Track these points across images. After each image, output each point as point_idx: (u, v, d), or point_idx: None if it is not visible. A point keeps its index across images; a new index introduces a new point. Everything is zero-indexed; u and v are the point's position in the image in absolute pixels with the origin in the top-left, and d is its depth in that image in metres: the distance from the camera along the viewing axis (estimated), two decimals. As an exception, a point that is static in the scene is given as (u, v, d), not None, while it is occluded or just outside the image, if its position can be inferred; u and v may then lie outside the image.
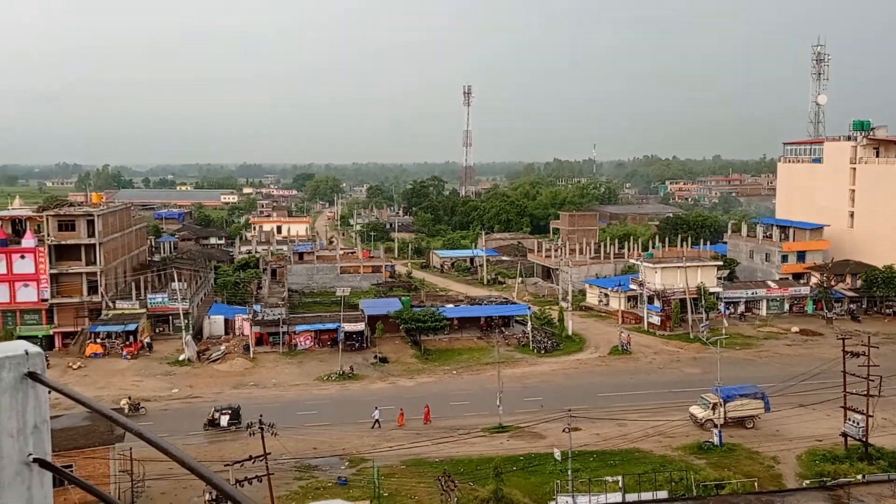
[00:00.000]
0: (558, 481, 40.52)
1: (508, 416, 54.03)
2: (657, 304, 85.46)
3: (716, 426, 50.83)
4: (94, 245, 77.39)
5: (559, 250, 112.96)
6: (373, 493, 41.18)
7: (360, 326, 76.21)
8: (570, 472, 39.81)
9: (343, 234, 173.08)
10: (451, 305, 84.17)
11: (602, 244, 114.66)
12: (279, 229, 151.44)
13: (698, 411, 53.46)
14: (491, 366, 66.16)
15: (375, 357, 71.74)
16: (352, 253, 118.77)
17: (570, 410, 43.00)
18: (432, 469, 45.00)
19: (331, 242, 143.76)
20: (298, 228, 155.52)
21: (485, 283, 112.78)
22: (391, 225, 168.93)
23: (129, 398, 57.73)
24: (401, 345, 76.52)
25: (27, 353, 2.95)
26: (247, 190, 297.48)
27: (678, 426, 52.58)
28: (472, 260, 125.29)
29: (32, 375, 2.95)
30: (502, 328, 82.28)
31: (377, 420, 52.97)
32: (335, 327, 75.02)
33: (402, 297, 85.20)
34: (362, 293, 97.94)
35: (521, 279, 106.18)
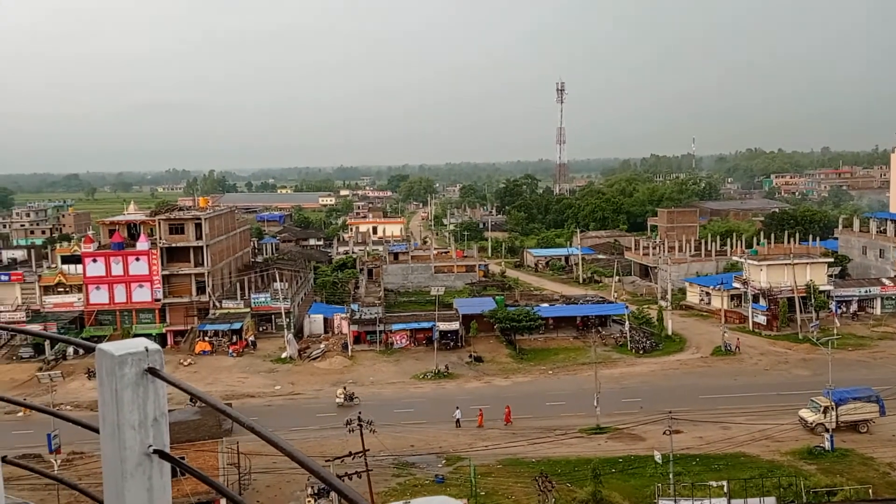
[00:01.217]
0: (659, 485, 39.53)
1: (606, 417, 53.12)
2: (763, 302, 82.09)
3: (827, 430, 48.37)
4: (201, 247, 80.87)
5: (657, 248, 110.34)
6: (470, 492, 41.32)
7: (455, 325, 76.60)
8: (671, 476, 38.77)
9: (437, 234, 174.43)
10: (545, 304, 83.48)
11: (702, 241, 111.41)
12: (375, 230, 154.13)
13: (808, 415, 51.02)
14: (587, 366, 65.21)
15: (470, 356, 71.96)
16: (445, 252, 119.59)
17: (670, 412, 41.86)
18: (529, 469, 44.75)
19: (425, 242, 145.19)
20: (393, 229, 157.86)
21: (580, 281, 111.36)
22: (484, 224, 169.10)
23: (345, 388, 59.91)
24: (495, 344, 76.47)
25: (147, 350, 3.10)
26: (343, 192, 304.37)
27: (786, 430, 50.34)
28: (566, 258, 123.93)
29: (152, 371, 3.10)
30: (599, 328, 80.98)
31: (458, 420, 53.12)
32: (430, 326, 75.70)
33: (496, 297, 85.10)
34: (456, 292, 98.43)
35: (617, 278, 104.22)
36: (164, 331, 78.98)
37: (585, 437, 50.96)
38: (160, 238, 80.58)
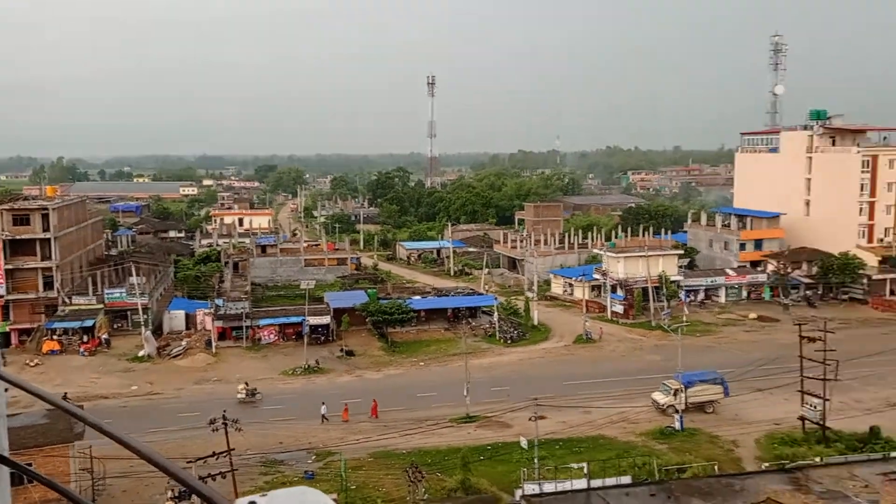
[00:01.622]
0: (525, 469, 40.89)
1: (476, 406, 54.32)
2: (620, 292, 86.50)
3: (677, 412, 51.71)
4: (49, 239, 75.76)
5: (524, 241, 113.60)
6: (340, 486, 41.13)
7: (326, 320, 75.82)
8: (536, 460, 40.20)
9: (307, 227, 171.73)
10: (417, 297, 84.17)
11: (566, 234, 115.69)
12: (241, 222, 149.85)
13: (660, 397, 54.33)
14: (458, 356, 66.39)
15: (342, 350, 71.48)
16: (316, 245, 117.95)
17: (536, 399, 43.36)
18: (400, 461, 45.07)
19: (294, 235, 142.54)
20: (261, 221, 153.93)
21: (451, 274, 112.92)
22: (356, 216, 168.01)
23: (247, 384, 58.40)
24: (367, 337, 76.34)
25: None
26: (207, 182, 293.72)
27: (641, 412, 53.39)
28: (438, 251, 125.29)
29: (-10, 372, 2.90)
30: (469, 319, 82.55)
31: (324, 415, 52.84)
32: (300, 321, 74.54)
33: (369, 290, 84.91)
34: (327, 286, 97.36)
35: (487, 270, 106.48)
36: (7, 329, 73.57)
37: (455, 426, 51.89)
38: (2, 230, 74.75)
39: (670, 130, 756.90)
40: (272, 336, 75.12)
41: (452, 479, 40.94)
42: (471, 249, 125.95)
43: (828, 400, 47.22)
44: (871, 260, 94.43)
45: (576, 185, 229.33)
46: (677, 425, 50.33)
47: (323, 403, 53.74)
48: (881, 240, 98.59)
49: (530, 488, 35.76)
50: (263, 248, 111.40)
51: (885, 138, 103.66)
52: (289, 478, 43.31)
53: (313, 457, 46.84)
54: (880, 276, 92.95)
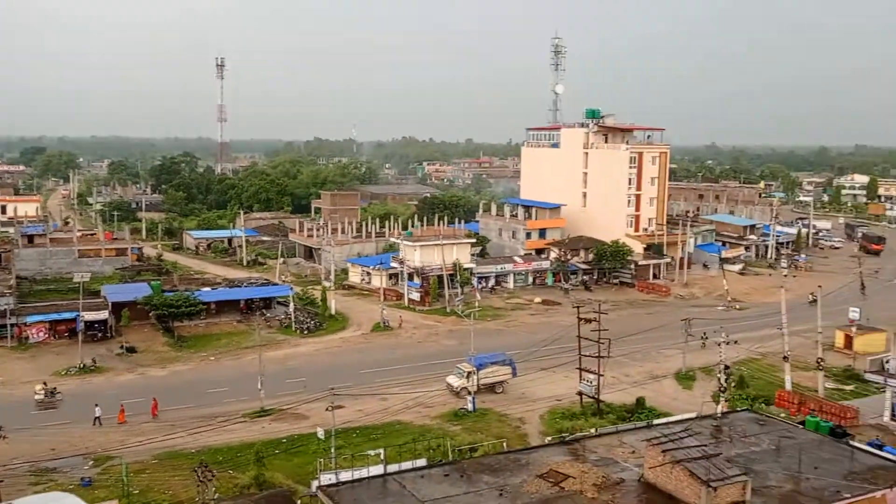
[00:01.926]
0: (321, 460, 40.62)
1: (271, 399, 53.08)
2: (417, 280, 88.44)
3: (470, 393, 53.93)
4: None
5: (321, 230, 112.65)
6: (121, 492, 38.42)
7: (103, 315, 70.42)
8: (333, 450, 40.07)
9: (81, 215, 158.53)
10: (207, 289, 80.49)
11: (363, 223, 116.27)
12: (3, 209, 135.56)
13: (454, 380, 56.36)
14: (252, 349, 64.48)
15: (121, 347, 66.76)
16: (91, 235, 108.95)
17: (332, 389, 43.15)
18: (188, 461, 42.94)
19: (66, 223, 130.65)
20: (27, 208, 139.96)
21: (244, 264, 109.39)
22: (138, 204, 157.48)
23: (45, 384, 53.46)
24: (151, 332, 71.88)
25: None
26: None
27: (437, 396, 55.05)
28: (230, 241, 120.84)
29: None
30: (264, 310, 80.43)
31: (98, 418, 49.46)
32: (73, 317, 68.59)
33: (152, 282, 79.80)
34: (105, 279, 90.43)
35: (282, 260, 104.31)
36: None
37: (249, 420, 50.40)
38: None
39: (463, 124, 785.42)
40: (42, 334, 68.52)
41: (246, 475, 39.74)
42: (265, 238, 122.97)
43: (602, 375, 51.49)
44: (638, 247, 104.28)
45: (373, 175, 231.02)
46: (470, 406, 52.47)
47: (97, 405, 50.02)
48: (645, 229, 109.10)
49: (326, 478, 35.60)
50: (31, 238, 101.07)
51: (648, 137, 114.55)
52: (63, 486, 39.70)
53: (90, 462, 43.32)
54: (645, 262, 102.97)
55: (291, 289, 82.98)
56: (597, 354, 50.94)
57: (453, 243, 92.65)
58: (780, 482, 30.53)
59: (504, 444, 43.89)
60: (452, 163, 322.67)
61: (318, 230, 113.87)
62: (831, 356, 65.83)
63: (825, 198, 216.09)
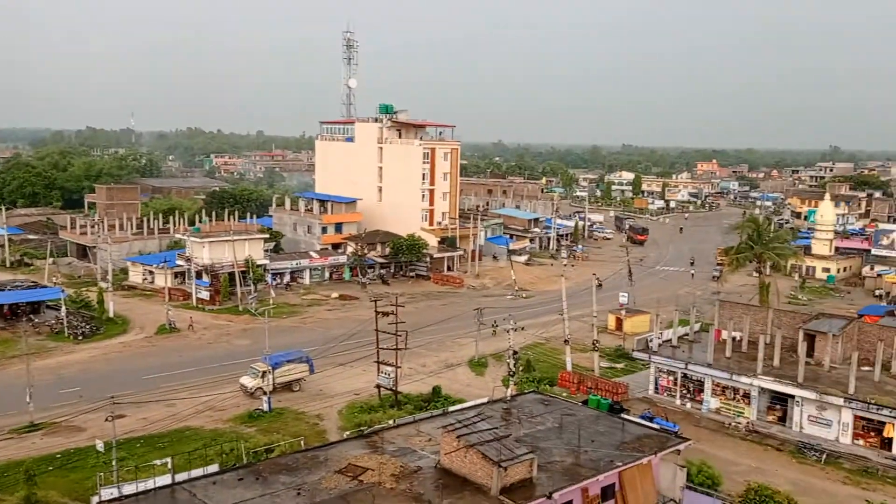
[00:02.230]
0: (102, 474, 37.69)
1: (42, 412, 48.38)
2: (206, 278, 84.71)
3: (265, 393, 52.63)
4: None
5: (96, 226, 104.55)
6: None
7: None
8: (114, 463, 37.32)
9: None
10: (-41, 293, 71.62)
11: (145, 219, 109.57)
12: None
13: (248, 381, 54.71)
14: (18, 358, 58.35)
15: None
16: None
17: (112, 397, 40.11)
18: (-61, 488, 38.02)
19: None
20: None
21: (7, 265, 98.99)
22: None
23: None
24: None
25: None
26: None
27: (230, 398, 53.13)
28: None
29: None
30: (31, 315, 73.08)
31: None
32: None
33: None
34: None
35: (52, 259, 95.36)
36: None
37: (17, 437, 45.64)
38: None
39: (253, 116, 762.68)
40: None
41: (14, 496, 35.96)
42: (31, 237, 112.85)
43: (399, 367, 52.45)
44: (433, 240, 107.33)
45: (154, 167, 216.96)
46: (265, 407, 51.20)
47: None
48: (439, 223, 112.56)
49: (108, 493, 33.09)
50: None
51: (440, 133, 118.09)
52: None
53: None
54: (440, 255, 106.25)
55: (63, 291, 76.12)
56: (394, 347, 51.78)
57: (245, 239, 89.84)
58: (562, 457, 32.91)
59: (302, 442, 43.29)
60: (243, 155, 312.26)
61: (92, 227, 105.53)
62: (605, 338, 71.99)
63: (598, 193, 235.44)
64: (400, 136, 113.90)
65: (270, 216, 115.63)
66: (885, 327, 56.16)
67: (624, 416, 43.29)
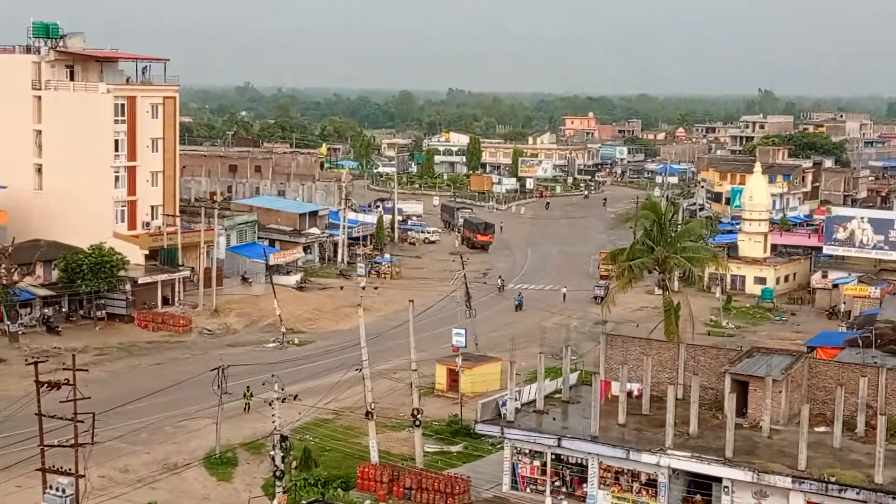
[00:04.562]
0: None
1: None
2: None
3: None
4: None
5: None
6: None
7: None
8: None
9: None
10: None
11: None
12: None
13: None
14: None
15: None
16: None
17: None
18: None
19: None
20: None
21: None
22: None
23: None
24: None
25: None
26: None
27: None
28: None
29: None
30: None
31: None
32: None
33: None
34: None
35: None
36: None
37: None
38: None
39: None
40: None
41: None
42: None
43: (83, 476, 50.58)
44: (136, 255, 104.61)
45: None
46: None
47: None
48: (147, 224, 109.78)
49: None
50: None
51: (145, 71, 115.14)
52: None
53: None
54: (148, 279, 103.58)
55: None
56: (72, 442, 49.89)
57: None
58: None
59: None
60: None
61: None
62: (432, 403, 73.48)
63: (413, 167, 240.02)
64: (73, 78, 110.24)
65: None
66: (846, 365, 61.01)
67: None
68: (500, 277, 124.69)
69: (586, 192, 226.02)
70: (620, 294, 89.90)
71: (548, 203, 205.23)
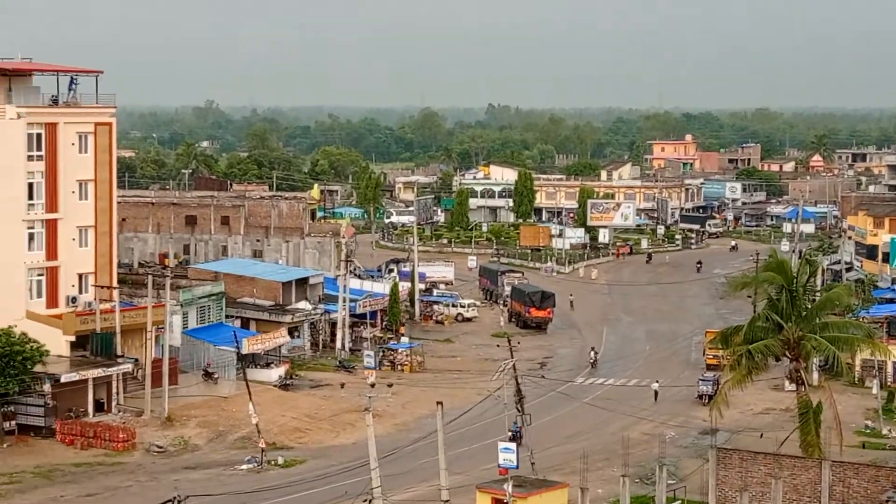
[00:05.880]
0: None
1: None
2: None
3: None
4: None
5: None
6: None
7: None
8: None
9: None
10: None
11: None
12: None
13: None
14: None
15: None
16: None
17: None
18: None
19: None
20: None
21: None
22: None
23: None
24: None
25: None
26: None
27: None
28: None
29: None
30: None
31: None
32: None
33: None
34: None
35: None
36: None
37: None
38: None
39: None
40: None
41: None
42: None
43: None
44: (59, 342, 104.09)
45: None
46: None
47: None
48: (73, 299, 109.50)
49: None
50: None
51: (73, 89, 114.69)
52: None
53: None
54: (75, 376, 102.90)
55: None
56: None
57: None
58: None
59: None
60: None
61: None
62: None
63: (440, 216, 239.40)
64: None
65: None
66: None
67: None
68: (592, 349, 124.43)
69: (684, 245, 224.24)
70: (736, 391, 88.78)
71: (650, 255, 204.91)
